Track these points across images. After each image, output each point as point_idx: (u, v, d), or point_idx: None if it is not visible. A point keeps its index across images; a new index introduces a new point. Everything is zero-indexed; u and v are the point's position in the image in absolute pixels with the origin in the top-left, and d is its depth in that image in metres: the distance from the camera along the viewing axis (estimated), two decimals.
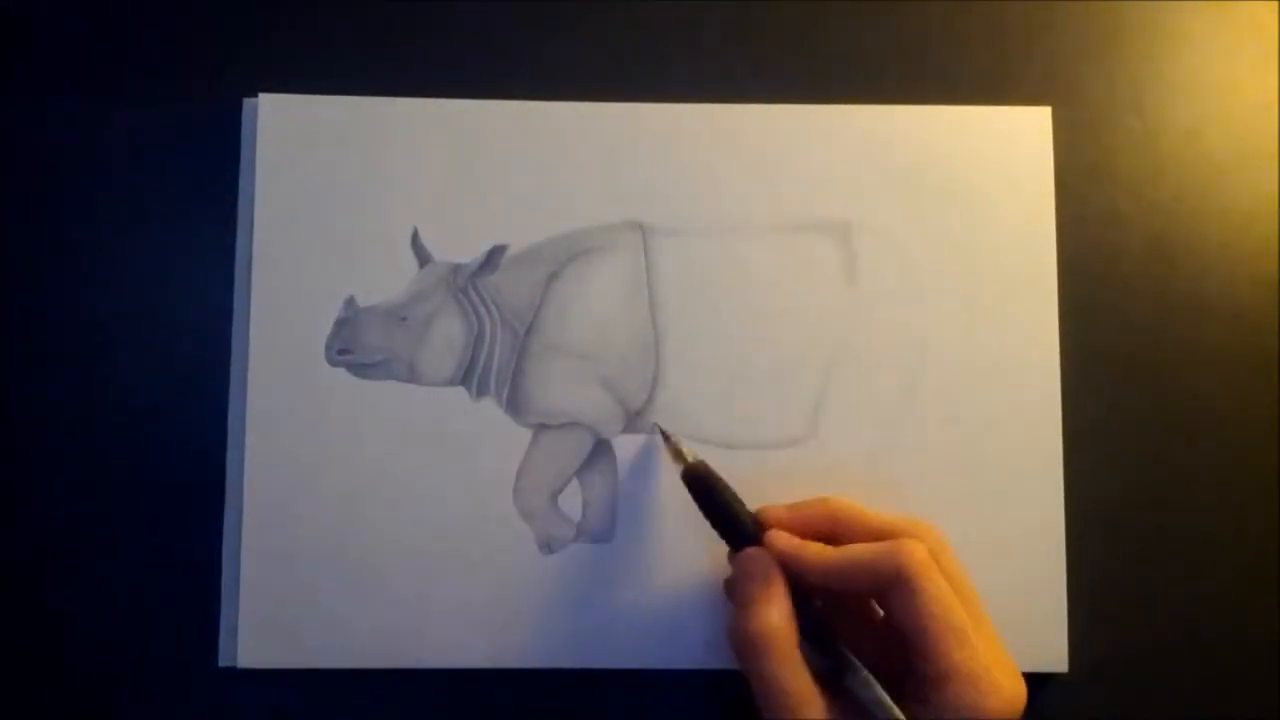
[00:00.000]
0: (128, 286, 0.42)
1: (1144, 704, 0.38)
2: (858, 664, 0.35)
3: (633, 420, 0.41)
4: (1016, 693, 0.34)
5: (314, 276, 0.41)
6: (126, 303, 0.42)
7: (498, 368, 0.41)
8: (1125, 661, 0.41)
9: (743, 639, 0.35)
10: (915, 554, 0.35)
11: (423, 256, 0.41)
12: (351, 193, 0.42)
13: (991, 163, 0.42)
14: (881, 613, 0.36)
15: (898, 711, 0.34)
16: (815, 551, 0.36)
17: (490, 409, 0.41)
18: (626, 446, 0.41)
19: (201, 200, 0.42)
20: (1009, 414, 0.41)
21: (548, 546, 0.41)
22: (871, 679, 0.35)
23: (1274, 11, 0.44)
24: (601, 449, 0.41)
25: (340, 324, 0.41)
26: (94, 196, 0.42)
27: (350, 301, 0.41)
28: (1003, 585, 0.40)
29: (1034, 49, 0.44)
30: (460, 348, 0.41)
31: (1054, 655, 0.40)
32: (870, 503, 0.37)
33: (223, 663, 0.40)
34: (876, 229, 0.42)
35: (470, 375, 0.41)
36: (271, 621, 0.40)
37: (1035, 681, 0.40)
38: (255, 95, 0.42)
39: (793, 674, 0.34)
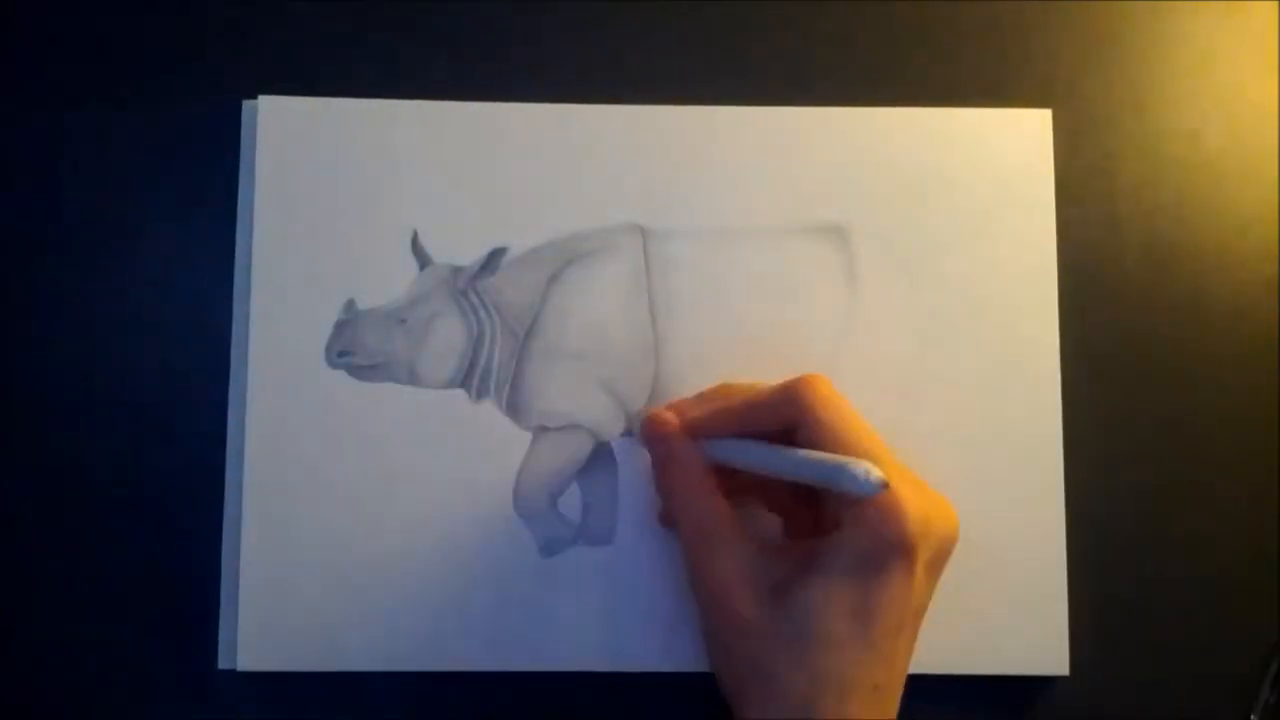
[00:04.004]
0: (128, 287, 0.42)
1: (1144, 707, 0.38)
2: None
3: (633, 422, 0.41)
4: (929, 515, 0.34)
5: (314, 279, 0.41)
6: (126, 303, 0.42)
7: (498, 370, 0.41)
8: (1126, 664, 0.41)
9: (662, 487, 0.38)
10: (816, 388, 0.35)
11: (423, 259, 0.41)
12: (351, 195, 0.41)
13: (992, 165, 0.42)
14: None
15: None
16: (715, 406, 0.37)
17: (490, 411, 0.41)
18: (627, 449, 0.41)
19: (201, 202, 0.42)
20: (1009, 415, 0.41)
21: (548, 549, 0.41)
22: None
23: (1274, 13, 0.44)
24: (602, 451, 0.41)
25: (340, 326, 0.41)
26: (94, 198, 0.42)
27: (350, 304, 0.41)
28: (1003, 586, 0.40)
29: (1034, 51, 0.44)
30: (460, 350, 0.41)
31: (1054, 658, 0.40)
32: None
33: (222, 665, 0.40)
34: (876, 231, 0.42)
35: (470, 377, 0.41)
36: (271, 624, 0.40)
37: (1035, 684, 0.41)
38: (255, 97, 0.42)
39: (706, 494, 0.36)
